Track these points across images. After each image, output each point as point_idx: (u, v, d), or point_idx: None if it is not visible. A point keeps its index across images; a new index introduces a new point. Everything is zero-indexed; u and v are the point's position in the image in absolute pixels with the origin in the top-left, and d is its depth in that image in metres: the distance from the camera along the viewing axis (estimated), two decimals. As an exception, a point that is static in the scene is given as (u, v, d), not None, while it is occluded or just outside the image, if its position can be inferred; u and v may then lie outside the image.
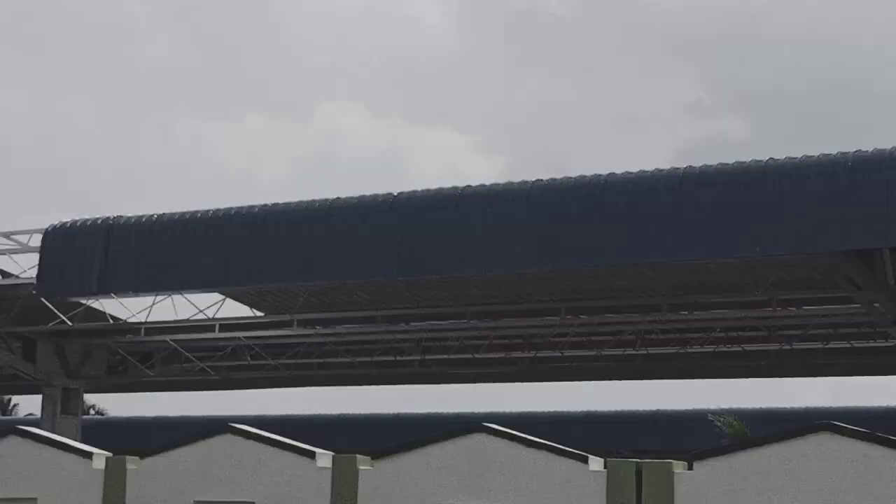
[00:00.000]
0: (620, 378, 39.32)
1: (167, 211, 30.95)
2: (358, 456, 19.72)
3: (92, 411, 78.80)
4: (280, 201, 29.82)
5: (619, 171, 26.34)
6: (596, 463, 18.96)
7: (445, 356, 36.76)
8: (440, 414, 43.50)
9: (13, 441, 21.74)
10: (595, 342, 34.68)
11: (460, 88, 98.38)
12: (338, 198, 28.97)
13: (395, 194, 28.24)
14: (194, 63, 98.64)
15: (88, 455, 21.04)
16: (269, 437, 20.22)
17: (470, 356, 36.22)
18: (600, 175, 26.27)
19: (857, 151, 24.09)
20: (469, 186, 27.62)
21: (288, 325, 34.32)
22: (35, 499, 21.14)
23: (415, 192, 28.24)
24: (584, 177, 26.49)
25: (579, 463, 18.84)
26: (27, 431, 22.01)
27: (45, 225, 32.18)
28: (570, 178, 26.75)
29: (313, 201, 29.28)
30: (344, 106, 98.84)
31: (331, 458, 19.74)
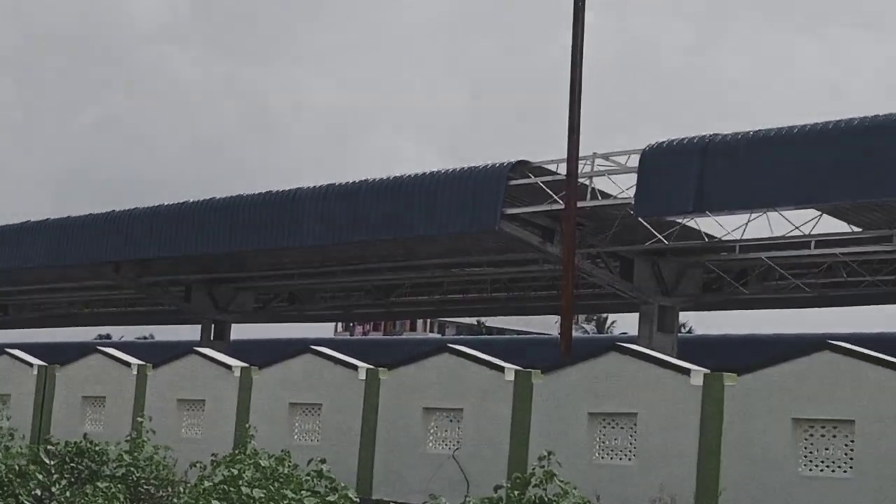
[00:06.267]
0: None
1: (755, 128, 30.79)
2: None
3: (683, 329, 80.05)
4: (872, 114, 28.94)
5: None
6: None
7: None
8: None
9: (614, 357, 22.13)
10: None
11: None
12: (938, 107, 27.77)
13: None
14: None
15: (686, 371, 21.15)
16: (868, 354, 19.63)
17: None
18: None
19: None
20: None
21: (887, 240, 33.33)
22: (635, 413, 21.52)
23: None
24: None
25: None
26: (627, 348, 22.29)
27: (641, 145, 32.74)
28: None
29: (914, 111, 28.24)
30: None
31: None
